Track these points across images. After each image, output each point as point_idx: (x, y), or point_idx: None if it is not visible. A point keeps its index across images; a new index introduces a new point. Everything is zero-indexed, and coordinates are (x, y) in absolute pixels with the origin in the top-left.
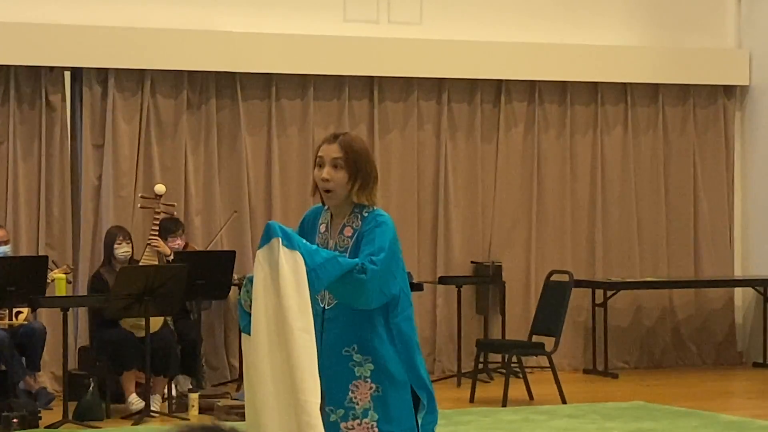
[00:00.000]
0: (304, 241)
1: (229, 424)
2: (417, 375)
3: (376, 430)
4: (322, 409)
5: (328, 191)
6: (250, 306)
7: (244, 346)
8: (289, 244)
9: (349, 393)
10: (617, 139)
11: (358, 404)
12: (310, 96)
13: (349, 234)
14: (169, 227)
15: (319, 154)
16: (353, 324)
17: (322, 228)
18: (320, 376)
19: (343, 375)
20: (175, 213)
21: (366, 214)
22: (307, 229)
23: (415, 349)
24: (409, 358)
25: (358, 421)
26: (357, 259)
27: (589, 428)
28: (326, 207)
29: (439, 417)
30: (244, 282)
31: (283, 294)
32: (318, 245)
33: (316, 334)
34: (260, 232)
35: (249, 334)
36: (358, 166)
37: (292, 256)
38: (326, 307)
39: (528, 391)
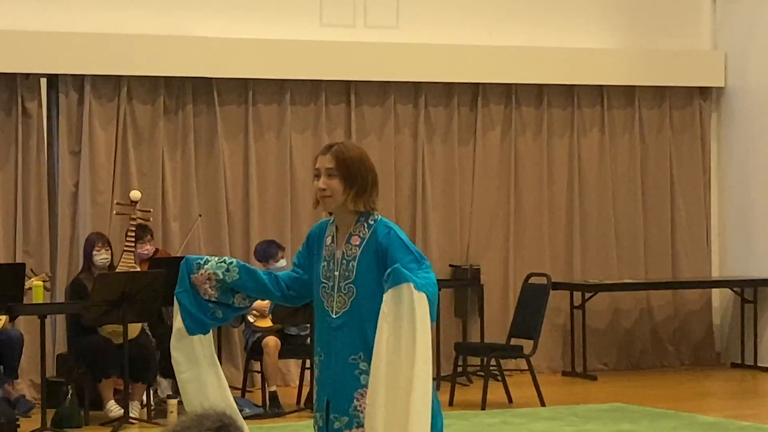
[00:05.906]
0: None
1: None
2: None
3: None
4: (327, 416)
5: (325, 197)
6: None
7: (196, 348)
8: (418, 286)
9: (354, 401)
10: (594, 142)
11: (362, 412)
12: (287, 101)
13: (357, 243)
14: (137, 233)
15: (316, 165)
16: (360, 332)
17: (328, 240)
18: (327, 384)
19: (349, 383)
20: (152, 219)
21: (372, 222)
22: (313, 244)
23: None
24: None
25: (362, 429)
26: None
27: (567, 430)
28: (331, 221)
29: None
30: (181, 264)
31: (418, 341)
32: (325, 257)
33: (324, 344)
34: (237, 237)
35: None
36: (352, 174)
37: (420, 300)
38: (334, 317)
39: (507, 394)
